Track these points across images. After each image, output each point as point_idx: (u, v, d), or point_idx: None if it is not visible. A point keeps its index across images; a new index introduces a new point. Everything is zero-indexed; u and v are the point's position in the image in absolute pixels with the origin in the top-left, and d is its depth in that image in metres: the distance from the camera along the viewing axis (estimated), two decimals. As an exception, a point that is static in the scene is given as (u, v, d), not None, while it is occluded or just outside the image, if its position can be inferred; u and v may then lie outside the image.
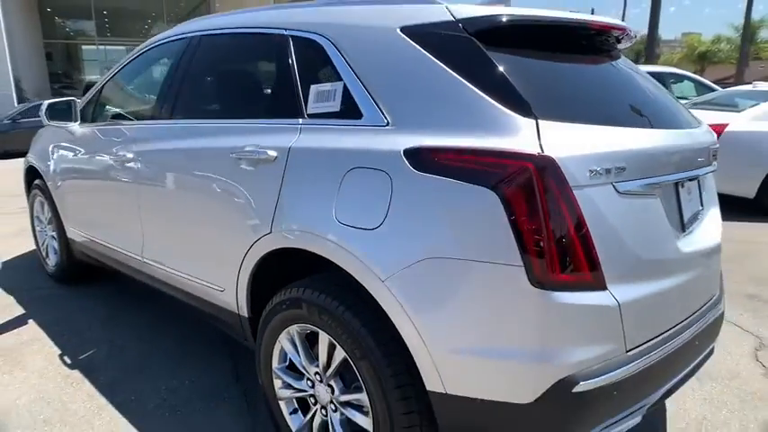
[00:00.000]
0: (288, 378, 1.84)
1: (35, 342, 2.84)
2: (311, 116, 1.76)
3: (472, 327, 1.34)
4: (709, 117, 5.76)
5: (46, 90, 19.53)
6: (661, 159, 1.54)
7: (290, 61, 1.86)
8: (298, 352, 1.77)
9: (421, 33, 1.56)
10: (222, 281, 2.04)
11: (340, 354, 1.61)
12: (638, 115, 1.69)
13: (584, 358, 1.29)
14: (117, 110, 2.91)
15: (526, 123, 1.32)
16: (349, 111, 1.65)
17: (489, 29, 1.50)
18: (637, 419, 1.50)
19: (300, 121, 1.77)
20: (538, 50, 1.58)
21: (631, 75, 1.90)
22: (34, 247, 4.41)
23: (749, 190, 5.61)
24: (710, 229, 1.84)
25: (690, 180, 1.71)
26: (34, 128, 12.97)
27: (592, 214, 1.29)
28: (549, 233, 1.24)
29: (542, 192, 1.24)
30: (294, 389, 1.83)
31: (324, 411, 1.75)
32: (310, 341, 1.75)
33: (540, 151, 1.26)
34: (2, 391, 2.38)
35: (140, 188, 2.41)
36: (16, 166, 9.37)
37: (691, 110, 6.29)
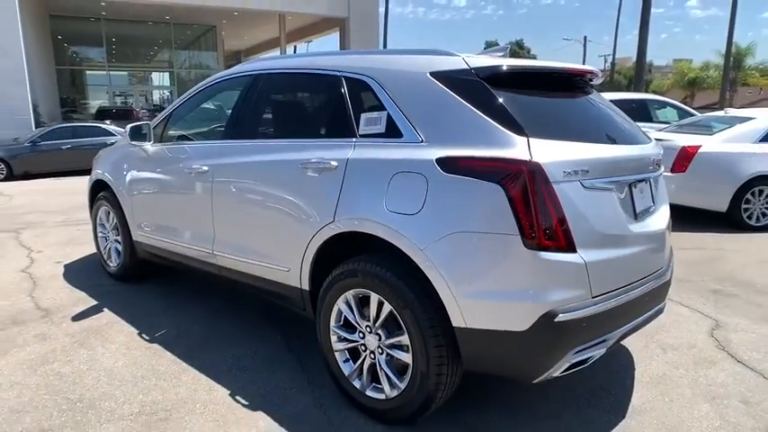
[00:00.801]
0: (343, 333, 2.43)
1: (114, 324, 3.41)
2: (362, 136, 2.39)
3: (484, 277, 1.95)
4: (686, 139, 6.48)
5: (57, 114, 20.27)
6: (615, 166, 2.18)
7: (344, 95, 2.51)
8: (353, 311, 2.36)
9: (445, 77, 2.20)
10: (288, 263, 2.63)
11: (387, 308, 2.20)
12: (601, 134, 2.33)
13: (561, 298, 1.90)
14: (188, 131, 3.55)
15: (520, 140, 1.95)
16: (391, 132, 2.28)
17: (493, 74, 2.15)
18: (601, 351, 2.10)
19: (354, 139, 2.40)
20: (528, 88, 2.23)
21: (599, 105, 2.55)
22: (86, 253, 5.01)
23: (721, 204, 6.26)
24: (659, 219, 2.47)
25: (640, 182, 2.35)
26: (53, 150, 13.54)
27: (565, 201, 1.91)
28: (537, 212, 1.86)
29: (532, 185, 1.87)
30: (348, 341, 2.42)
31: (372, 356, 2.33)
32: (361, 303, 2.35)
33: (530, 158, 1.89)
34: (103, 357, 2.95)
35: (214, 193, 3.02)
36: (41, 187, 10.04)
37: (671, 132, 6.96)
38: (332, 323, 2.46)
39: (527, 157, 1.90)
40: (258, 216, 2.80)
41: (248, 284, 3.00)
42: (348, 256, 2.41)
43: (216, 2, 16.69)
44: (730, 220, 6.23)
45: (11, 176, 12.28)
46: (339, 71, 2.58)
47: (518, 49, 61.05)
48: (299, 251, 2.54)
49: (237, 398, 2.55)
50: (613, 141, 2.33)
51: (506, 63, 2.20)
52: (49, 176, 11.83)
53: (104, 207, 4.18)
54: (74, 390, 2.62)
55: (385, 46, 23.47)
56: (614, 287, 2.08)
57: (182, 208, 3.36)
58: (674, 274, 2.62)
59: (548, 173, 1.89)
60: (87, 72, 27.02)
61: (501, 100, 2.07)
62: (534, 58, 61.53)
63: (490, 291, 1.94)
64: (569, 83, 2.47)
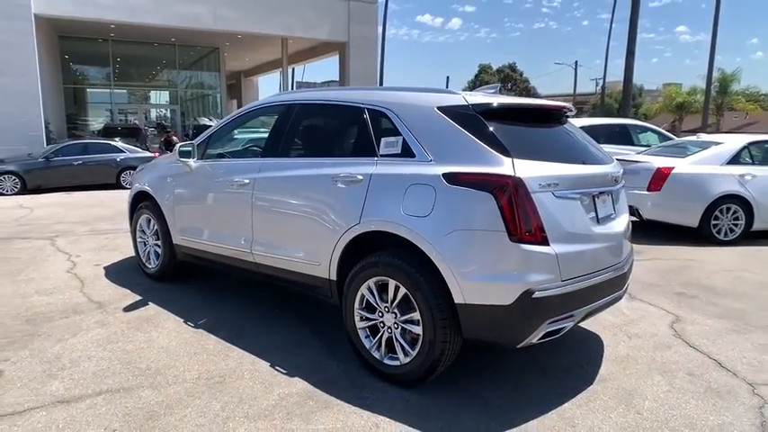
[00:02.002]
0: (365, 313, 3.01)
1: (160, 314, 3.96)
2: (382, 156, 3.01)
3: (479, 264, 2.55)
4: (661, 161, 7.16)
5: (64, 131, 20.88)
6: (580, 181, 2.81)
7: (367, 123, 3.13)
8: (373, 295, 2.95)
9: (449, 110, 2.84)
10: (319, 258, 3.22)
11: (402, 292, 2.79)
12: (571, 156, 2.96)
13: (537, 280, 2.51)
14: (227, 150, 4.16)
15: (507, 160, 2.58)
16: (406, 153, 2.90)
17: (487, 109, 2.79)
18: (570, 324, 2.70)
19: (375, 158, 3.02)
20: (513, 120, 2.86)
21: (571, 132, 3.19)
22: (118, 258, 5.56)
23: (693, 220, 6.91)
24: (618, 224, 3.09)
25: (603, 193, 2.97)
26: (65, 165, 14.08)
27: (540, 206, 2.53)
28: (519, 214, 2.48)
29: (515, 194, 2.48)
30: (369, 320, 3.00)
31: (389, 330, 2.90)
32: (380, 288, 2.93)
33: (514, 174, 2.51)
34: (158, 339, 3.51)
35: (254, 202, 3.61)
36: (57, 200, 10.62)
37: (649, 155, 7.63)
38: (356, 306, 3.04)
39: (511, 173, 2.52)
40: (294, 220, 3.40)
41: (282, 278, 3.58)
42: (366, 252, 3.00)
43: (221, 26, 17.48)
44: (701, 235, 6.87)
45: (24, 190, 12.82)
46: (363, 103, 3.21)
47: (511, 72, 62.59)
48: (329, 248, 3.13)
49: (277, 368, 3.11)
50: (581, 161, 2.96)
51: (497, 100, 2.84)
52: (60, 191, 12.36)
53: (145, 215, 4.76)
54: (141, 361, 3.17)
55: (382, 69, 24.33)
56: (579, 273, 2.68)
57: (223, 215, 3.95)
58: (645, 279, 3.18)
59: (527, 185, 2.51)
60: (92, 90, 27.67)
61: (492, 129, 2.70)
62: (527, 81, 63.01)
63: (483, 274, 2.55)
64: (547, 115, 3.11)
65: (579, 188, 2.79)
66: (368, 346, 3.01)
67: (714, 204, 6.79)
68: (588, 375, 3.12)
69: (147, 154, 14.91)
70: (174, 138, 15.98)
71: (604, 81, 39.33)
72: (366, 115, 3.16)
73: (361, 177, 3.00)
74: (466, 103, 2.82)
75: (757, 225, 6.90)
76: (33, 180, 13.12)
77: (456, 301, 2.61)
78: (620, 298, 3.09)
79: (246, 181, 3.68)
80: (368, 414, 2.64)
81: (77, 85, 25.72)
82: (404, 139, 2.94)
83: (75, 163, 13.71)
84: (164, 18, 16.62)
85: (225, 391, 2.85)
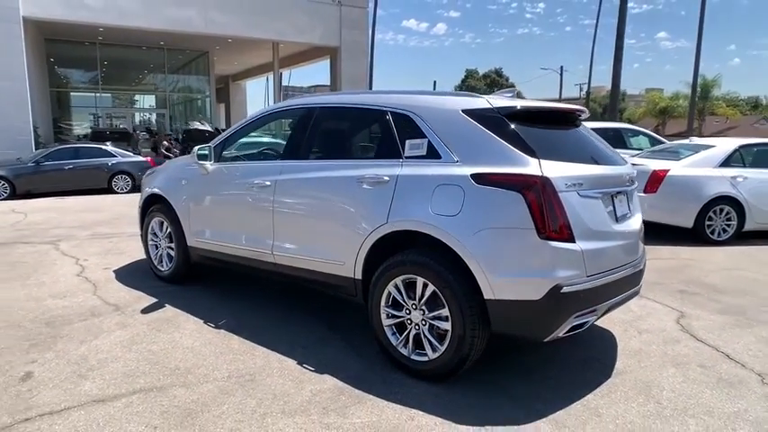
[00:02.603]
0: (392, 311, 3.08)
1: (179, 316, 3.99)
2: (407, 157, 3.09)
3: (509, 261, 2.65)
4: (657, 164, 7.36)
5: (51, 135, 20.60)
6: (601, 181, 2.92)
7: (391, 126, 3.22)
8: (401, 293, 3.02)
9: (474, 113, 2.93)
10: (344, 257, 3.29)
11: (430, 289, 2.87)
12: (590, 157, 3.08)
13: (565, 275, 2.61)
14: (244, 152, 4.21)
15: (533, 161, 2.68)
16: (432, 154, 2.99)
17: (511, 112, 2.89)
18: (593, 319, 2.81)
19: (401, 160, 3.10)
20: (535, 122, 2.97)
21: (586, 134, 3.30)
22: (126, 262, 5.56)
23: (688, 221, 7.11)
24: (634, 223, 3.22)
25: (619, 193, 3.09)
26: (55, 170, 13.92)
27: (567, 205, 2.64)
28: (547, 213, 2.58)
29: (543, 193, 2.59)
30: (396, 317, 3.07)
31: (416, 327, 2.98)
32: (407, 286, 3.01)
33: (542, 174, 2.62)
34: (182, 339, 3.54)
35: (276, 204, 3.66)
36: (50, 205, 10.56)
37: (644, 157, 7.84)
38: (382, 304, 3.11)
39: (540, 173, 2.63)
40: (317, 221, 3.46)
41: (302, 278, 3.64)
42: (391, 251, 3.08)
43: (213, 30, 17.45)
44: (696, 236, 7.07)
45: (13, 195, 12.63)
46: (385, 107, 3.29)
47: (497, 77, 63.33)
48: (355, 248, 3.20)
49: (305, 365, 3.17)
50: (598, 162, 3.08)
51: (520, 104, 2.95)
52: (50, 196, 12.23)
53: (158, 218, 4.78)
54: (168, 361, 3.20)
55: (371, 73, 24.42)
56: (602, 270, 2.80)
57: (241, 216, 4.00)
58: (648, 278, 3.30)
59: (555, 184, 2.62)
60: (77, 94, 27.30)
61: (518, 131, 2.81)
62: (512, 85, 63.73)
63: (513, 270, 2.64)
64: (564, 118, 3.23)
65: (600, 188, 2.90)
66: (395, 343, 3.09)
67: (708, 206, 7.00)
68: (606, 368, 3.23)
69: (139, 158, 14.79)
70: (169, 143, 15.88)
71: (589, 86, 39.98)
72: (389, 118, 3.24)
73: (387, 178, 3.08)
74: (491, 107, 2.93)
75: (749, 226, 7.12)
76: (23, 185, 12.93)
77: (486, 297, 2.70)
78: (636, 294, 3.21)
79: (267, 183, 3.73)
80: (401, 408, 2.71)
81: (62, 88, 25.42)
82: (429, 141, 3.03)
83: (66, 167, 13.53)
84: (154, 21, 16.54)
85: (257, 388, 2.90)
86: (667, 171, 7.15)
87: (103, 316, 3.95)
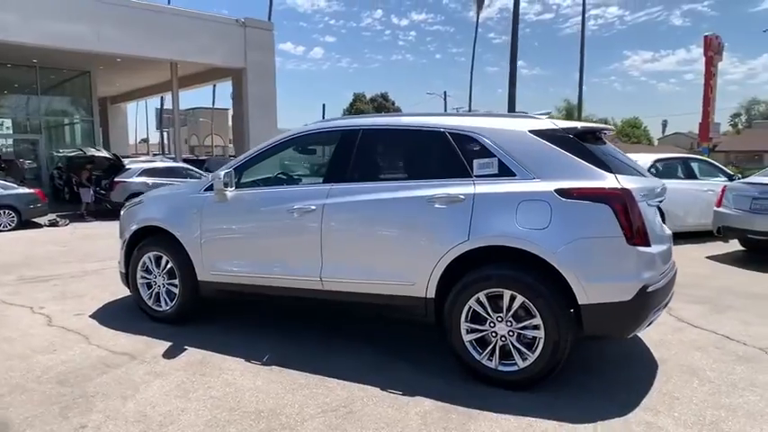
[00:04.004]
0: (473, 325, 3.16)
1: (211, 357, 3.65)
2: (477, 176, 3.23)
3: (601, 267, 2.89)
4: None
5: None
6: (652, 192, 3.31)
7: (454, 146, 3.33)
8: (484, 308, 3.12)
9: (542, 133, 3.17)
10: (414, 278, 3.30)
11: (519, 301, 3.01)
12: (633, 170, 3.45)
13: (648, 276, 2.92)
14: (279, 176, 4.02)
15: (610, 175, 2.97)
16: (504, 173, 3.16)
17: (577, 132, 3.18)
18: (660, 314, 3.14)
19: (471, 179, 3.22)
20: (588, 140, 3.27)
21: (614, 149, 3.68)
22: (97, 305, 4.94)
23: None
24: (667, 229, 3.65)
25: (659, 203, 3.51)
26: None
27: (643, 214, 2.95)
28: (632, 221, 2.87)
29: (629, 204, 2.88)
30: (477, 331, 3.15)
31: (503, 338, 3.09)
32: (490, 300, 3.11)
33: (623, 186, 2.91)
34: (238, 380, 3.27)
35: (325, 228, 3.55)
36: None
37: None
38: (462, 319, 3.18)
39: (620, 186, 2.92)
40: (380, 243, 3.43)
41: (359, 302, 3.57)
42: (466, 268, 3.17)
43: (106, 47, 15.97)
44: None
45: None
46: (443, 128, 3.41)
47: (384, 101, 65.47)
48: (429, 267, 3.24)
49: (389, 390, 3.11)
50: (642, 174, 3.48)
51: (580, 125, 3.26)
52: None
53: (153, 253, 4.33)
54: (244, 405, 2.95)
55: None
56: (665, 270, 3.16)
57: (277, 244, 3.80)
58: None
59: (635, 195, 2.93)
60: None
61: (589, 149, 3.09)
62: (399, 109, 66.41)
63: (607, 275, 2.89)
64: (602, 135, 3.58)
65: (653, 198, 3.29)
66: (478, 358, 3.16)
67: None
68: (649, 360, 3.60)
69: (25, 190, 12.98)
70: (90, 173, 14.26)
71: (470, 109, 43.15)
72: (450, 138, 3.36)
73: (462, 197, 3.18)
74: (557, 127, 3.19)
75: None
76: None
77: (580, 302, 2.91)
78: (673, 294, 3.63)
79: (313, 207, 3.61)
80: (513, 417, 2.80)
81: None
82: (499, 159, 3.19)
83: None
84: (35, 37, 14.74)
85: (363, 419, 2.79)
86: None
87: (123, 367, 3.49)
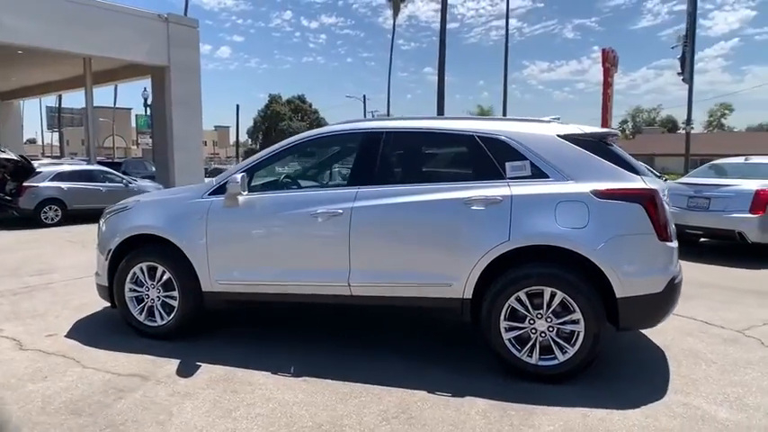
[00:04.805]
0: (513, 323, 3.25)
1: (234, 372, 3.43)
2: (510, 178, 3.33)
3: (636, 261, 3.11)
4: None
5: None
6: (665, 191, 3.59)
7: (483, 149, 3.42)
8: (524, 305, 3.22)
9: (570, 138, 3.35)
10: (451, 279, 3.33)
11: (559, 297, 3.15)
12: (646, 171, 3.71)
13: (674, 269, 3.19)
14: (302, 181, 3.87)
15: (637, 177, 3.21)
16: (537, 174, 3.30)
17: (600, 137, 3.40)
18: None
19: (505, 181, 3.32)
20: (607, 144, 3.50)
21: (626, 153, 3.93)
22: (66, 324, 4.45)
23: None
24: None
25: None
26: None
27: (667, 211, 3.22)
28: (661, 219, 3.12)
29: (658, 202, 3.12)
30: (517, 329, 3.25)
31: (542, 335, 3.22)
32: (530, 297, 3.22)
33: (650, 187, 3.15)
34: (277, 395, 3.11)
35: (353, 232, 3.47)
36: None
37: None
38: (501, 318, 3.26)
39: (648, 186, 3.16)
40: (414, 246, 3.42)
41: (386, 306, 3.53)
42: (503, 267, 3.26)
43: (7, 38, 14.32)
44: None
45: None
46: (472, 132, 3.48)
47: (301, 104, 64.67)
48: (467, 268, 3.29)
49: (438, 393, 3.11)
50: (653, 175, 3.77)
51: (602, 130, 3.48)
52: None
53: (146, 264, 3.98)
54: (299, 420, 2.81)
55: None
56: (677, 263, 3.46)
57: (299, 250, 3.65)
58: None
59: (661, 195, 3.18)
60: None
61: (614, 152, 3.31)
62: (316, 112, 65.95)
63: (641, 269, 3.12)
64: (612, 140, 3.82)
65: (666, 197, 3.58)
66: (518, 354, 3.26)
67: None
68: (654, 347, 3.91)
69: None
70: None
71: (388, 112, 43.89)
72: (480, 142, 3.44)
73: (500, 198, 3.27)
74: (584, 132, 3.39)
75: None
76: None
77: (618, 296, 3.10)
78: None
79: (340, 211, 3.52)
80: (569, 409, 2.92)
81: None
82: (531, 162, 3.32)
83: None
84: None
85: (426, 423, 2.78)
86: None
87: (138, 390, 3.18)
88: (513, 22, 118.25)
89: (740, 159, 8.23)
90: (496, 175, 3.37)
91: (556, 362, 3.21)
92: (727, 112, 68.34)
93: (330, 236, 3.56)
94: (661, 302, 3.18)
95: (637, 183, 3.20)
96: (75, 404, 2.99)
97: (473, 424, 2.77)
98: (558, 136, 3.37)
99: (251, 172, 3.87)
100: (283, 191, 3.94)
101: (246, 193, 3.77)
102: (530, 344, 3.25)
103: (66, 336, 4.16)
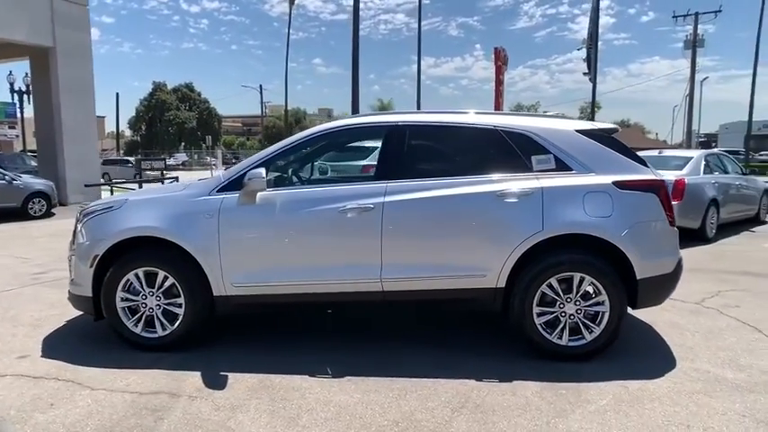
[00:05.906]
0: (544, 308, 3.45)
1: (268, 380, 3.23)
2: (536, 171, 3.52)
3: (653, 245, 3.46)
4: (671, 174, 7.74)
5: None
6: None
7: (509, 143, 3.57)
8: (555, 291, 3.43)
9: (586, 133, 3.62)
10: (486, 269, 3.44)
11: (587, 282, 3.41)
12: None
13: (678, 251, 3.59)
14: (322, 176, 3.66)
15: (648, 169, 3.56)
16: (561, 168, 3.52)
17: (610, 131, 3.71)
18: (677, 281, 3.87)
19: (533, 174, 3.50)
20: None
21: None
22: (36, 337, 3.90)
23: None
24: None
25: None
26: None
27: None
28: (670, 206, 3.50)
29: (668, 192, 3.50)
30: (548, 313, 3.46)
31: (571, 317, 3.46)
32: (560, 283, 3.44)
33: (661, 178, 3.52)
34: (332, 397, 3.01)
35: (386, 227, 3.43)
36: None
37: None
38: (534, 303, 3.45)
39: (659, 177, 3.52)
40: (449, 239, 3.47)
41: (418, 300, 3.56)
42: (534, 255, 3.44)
43: None
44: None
45: None
46: (496, 126, 3.62)
47: (189, 92, 60.86)
48: (502, 258, 3.42)
49: (487, 380, 3.22)
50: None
51: (609, 125, 3.81)
52: None
53: (142, 269, 3.59)
54: (372, 421, 2.75)
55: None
56: (674, 248, 3.90)
57: (326, 247, 3.52)
58: None
59: (667, 185, 3.56)
60: None
61: (622, 146, 3.64)
62: (207, 101, 62.45)
63: (657, 252, 3.48)
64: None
65: (664, 186, 4.01)
66: (549, 337, 3.47)
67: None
68: (642, 323, 4.34)
69: None
70: None
71: (286, 104, 42.78)
72: (506, 137, 3.58)
73: (531, 191, 3.44)
74: (597, 128, 3.68)
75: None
76: None
77: (638, 277, 3.43)
78: None
79: (371, 206, 3.46)
80: (612, 383, 3.17)
81: None
82: (555, 156, 3.54)
83: None
84: None
85: (496, 409, 2.87)
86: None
87: (177, 408, 2.89)
88: (400, 17, 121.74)
89: (654, 153, 9.33)
90: (524, 168, 3.54)
91: (584, 341, 3.47)
92: (597, 109, 76.45)
93: (361, 231, 3.49)
94: (671, 281, 3.58)
95: (649, 174, 3.55)
96: (112, 430, 2.65)
97: (537, 404, 2.91)
98: (576, 131, 3.62)
99: (266, 166, 3.65)
100: (303, 186, 3.77)
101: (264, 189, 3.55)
102: (559, 327, 3.48)
103: (43, 356, 3.63)
